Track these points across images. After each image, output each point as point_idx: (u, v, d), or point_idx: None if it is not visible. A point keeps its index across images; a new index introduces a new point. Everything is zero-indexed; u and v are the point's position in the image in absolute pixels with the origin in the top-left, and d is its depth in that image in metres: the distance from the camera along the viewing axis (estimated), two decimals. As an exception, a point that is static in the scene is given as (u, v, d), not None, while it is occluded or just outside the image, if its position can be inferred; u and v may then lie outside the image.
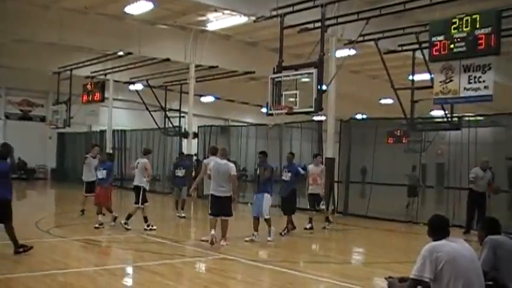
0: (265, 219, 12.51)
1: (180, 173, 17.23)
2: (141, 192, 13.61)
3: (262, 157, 13.00)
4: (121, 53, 25.35)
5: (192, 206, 20.94)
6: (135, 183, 13.89)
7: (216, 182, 11.71)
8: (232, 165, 11.95)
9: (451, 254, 4.85)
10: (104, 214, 14.05)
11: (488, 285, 5.22)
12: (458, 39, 13.00)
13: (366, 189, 21.53)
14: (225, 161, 11.90)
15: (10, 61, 28.91)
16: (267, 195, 12.52)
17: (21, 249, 9.81)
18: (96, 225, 13.52)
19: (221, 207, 11.73)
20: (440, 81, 14.26)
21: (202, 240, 12.04)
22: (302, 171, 14.15)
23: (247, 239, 12.36)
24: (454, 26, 13.05)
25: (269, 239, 12.50)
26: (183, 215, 16.66)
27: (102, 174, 14.01)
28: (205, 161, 13.98)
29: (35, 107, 36.34)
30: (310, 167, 14.77)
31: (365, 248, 13.60)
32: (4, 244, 11.21)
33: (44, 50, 27.52)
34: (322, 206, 15.09)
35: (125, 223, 13.34)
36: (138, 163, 14.11)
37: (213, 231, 11.59)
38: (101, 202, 14.00)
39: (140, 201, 13.57)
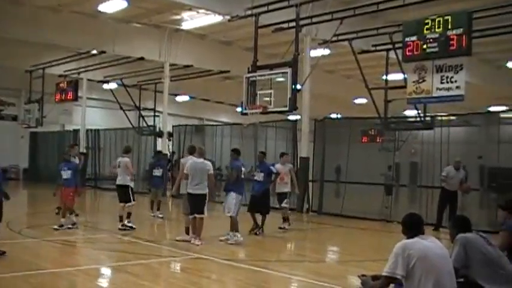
0: (231, 217, 12.40)
1: (158, 172, 17.04)
2: (130, 191, 13.85)
3: (233, 155, 12.90)
4: (95, 52, 25.07)
5: (170, 207, 20.84)
6: (120, 182, 13.92)
7: (193, 181, 11.78)
8: (209, 163, 12.10)
9: (422, 252, 4.91)
10: (77, 214, 13.94)
11: (459, 282, 5.30)
12: (431, 40, 13.15)
13: (340, 188, 21.67)
14: (201, 160, 11.98)
15: (-20, 59, 28.44)
16: (232, 194, 12.41)
17: None
18: (56, 227, 13.04)
19: (194, 205, 11.79)
20: (414, 81, 14.43)
21: (177, 240, 12.04)
22: (274, 171, 14.10)
23: (222, 238, 12.35)
24: (427, 26, 13.20)
25: (222, 238, 12.35)
26: (160, 215, 16.56)
27: (66, 174, 13.42)
28: (182, 160, 13.92)
29: (6, 105, 35.76)
30: (278, 166, 14.59)
31: (339, 246, 13.70)
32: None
33: (16, 48, 27.09)
34: (285, 205, 14.78)
35: (123, 225, 13.47)
36: (119, 162, 14.10)
37: (196, 240, 11.73)
38: (65, 203, 13.42)
39: (132, 198, 13.82)
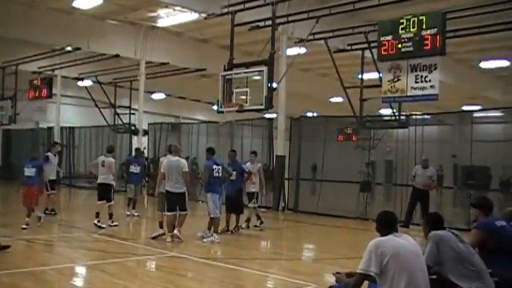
0: (211, 218, 12.41)
1: (135, 169, 16.88)
2: (112, 190, 14.06)
3: (207, 154, 12.91)
4: (69, 49, 24.82)
5: (146, 205, 20.74)
6: (104, 181, 14.03)
7: (170, 179, 11.85)
8: (184, 161, 12.15)
9: (395, 249, 4.97)
10: (55, 213, 13.84)
11: (432, 279, 5.36)
12: (406, 39, 13.30)
13: (316, 186, 21.80)
14: (176, 158, 12.03)
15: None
16: (209, 195, 12.44)
17: None
18: (24, 226, 12.83)
19: (177, 203, 11.89)
20: (389, 80, 14.57)
21: (153, 238, 12.02)
22: (247, 169, 14.06)
23: (199, 234, 12.38)
24: (402, 26, 13.35)
25: (198, 234, 12.43)
26: (136, 214, 16.47)
27: (30, 172, 13.05)
28: (161, 159, 13.87)
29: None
30: (248, 165, 14.50)
31: (315, 244, 13.78)
32: None
33: (-12, 44, 26.73)
34: (252, 205, 14.48)
35: (99, 221, 13.49)
36: (103, 161, 14.15)
37: (176, 231, 11.85)
38: (28, 202, 13.10)
39: (112, 197, 14.01)
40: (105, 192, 13.92)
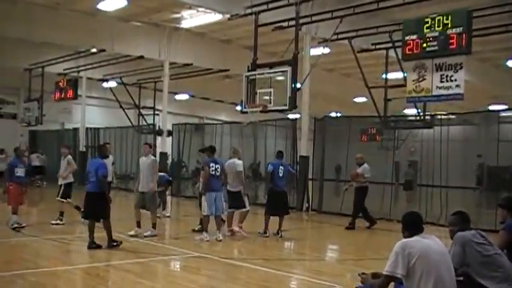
0: (203, 216, 12.47)
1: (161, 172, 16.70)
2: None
3: (208, 153, 12.75)
4: (94, 50, 25.06)
5: (170, 206, 20.80)
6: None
7: (143, 178, 12.65)
8: (239, 162, 12.87)
9: (422, 250, 4.90)
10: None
11: (459, 280, 5.29)
12: (431, 39, 13.17)
13: (340, 186, 21.66)
14: (233, 160, 13.00)
15: (-21, 57, 28.38)
16: (207, 194, 12.30)
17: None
18: (15, 226, 12.70)
19: (234, 201, 12.93)
20: (413, 80, 14.42)
21: (131, 236, 12.13)
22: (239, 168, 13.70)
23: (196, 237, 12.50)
24: (427, 25, 13.21)
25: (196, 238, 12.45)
26: (167, 214, 16.55)
27: (22, 172, 13.28)
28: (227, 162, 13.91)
29: (6, 104, 35.74)
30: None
31: (338, 245, 13.70)
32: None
33: (15, 47, 27.06)
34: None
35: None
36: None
37: (236, 227, 12.93)
38: (13, 201, 13.03)
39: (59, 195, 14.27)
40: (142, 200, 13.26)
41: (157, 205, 13.46)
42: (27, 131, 33.66)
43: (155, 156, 18.99)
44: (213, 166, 12.33)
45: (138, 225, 12.48)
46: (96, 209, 10.89)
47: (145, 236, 12.16)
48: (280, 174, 13.34)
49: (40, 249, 11.08)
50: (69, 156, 14.87)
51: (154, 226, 12.57)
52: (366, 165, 15.54)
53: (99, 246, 10.69)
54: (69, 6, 23.49)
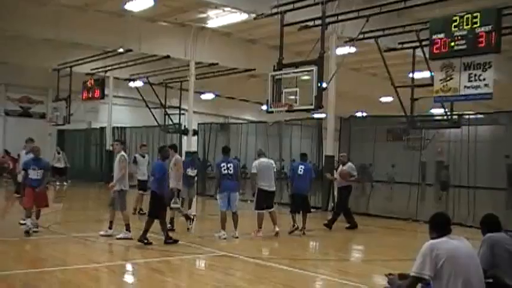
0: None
1: (192, 172, 16.58)
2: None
3: (223, 153, 12.91)
4: (121, 50, 25.29)
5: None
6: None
7: (263, 179, 12.98)
8: (120, 155, 12.05)
9: (451, 252, 4.84)
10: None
11: (488, 282, 5.22)
12: (459, 37, 13.03)
13: (365, 186, 21.56)
14: (267, 159, 13.31)
15: (10, 58, 28.83)
16: (219, 195, 12.57)
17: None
18: (28, 230, 11.51)
19: (268, 201, 13.03)
20: (441, 79, 14.27)
21: (101, 235, 11.90)
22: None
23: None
24: (455, 24, 13.07)
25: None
26: (193, 214, 16.60)
27: (37, 174, 11.84)
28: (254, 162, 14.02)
29: (34, 103, 36.28)
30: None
31: (364, 245, 13.62)
32: (3, 241, 11.26)
33: (44, 47, 27.48)
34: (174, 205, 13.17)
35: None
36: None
37: (276, 228, 12.93)
38: (24, 203, 12.03)
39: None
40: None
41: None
42: (56, 130, 34.13)
43: (181, 155, 19.13)
44: (224, 166, 12.42)
45: (111, 225, 12.04)
46: (150, 207, 11.34)
47: (117, 238, 11.73)
48: (300, 172, 13.57)
49: (68, 247, 11.20)
50: (122, 153, 12.29)
51: (127, 228, 11.86)
52: (350, 163, 15.36)
53: (175, 241, 11.12)
54: (97, 7, 23.73)
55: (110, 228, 12.02)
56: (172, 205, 12.99)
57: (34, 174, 11.72)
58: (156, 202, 11.24)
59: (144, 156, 16.40)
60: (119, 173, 11.85)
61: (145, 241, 11.03)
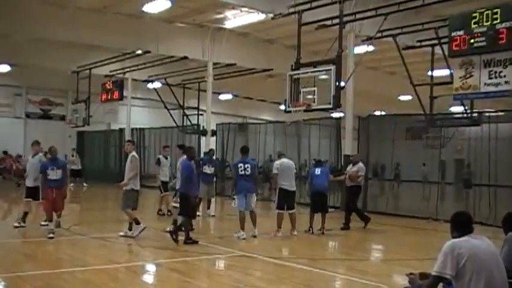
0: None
1: (209, 170, 16.52)
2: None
3: (241, 154, 13.00)
4: (139, 52, 25.44)
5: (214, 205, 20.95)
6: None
7: (285, 178, 13.07)
8: (131, 155, 12.24)
9: (473, 251, 4.78)
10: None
11: (511, 282, 5.14)
12: (479, 34, 12.88)
13: (384, 186, 21.43)
14: (287, 159, 13.43)
15: (30, 60, 29.10)
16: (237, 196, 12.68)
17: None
18: (50, 235, 11.30)
19: (289, 201, 13.08)
20: (460, 77, 14.13)
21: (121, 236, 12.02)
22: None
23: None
24: (474, 20, 12.92)
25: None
26: (211, 214, 16.66)
27: (56, 174, 11.75)
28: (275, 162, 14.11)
29: (54, 105, 36.64)
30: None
31: (383, 245, 13.53)
32: (24, 242, 11.38)
33: (63, 49, 27.70)
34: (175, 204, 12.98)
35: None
36: None
37: (295, 232, 13.03)
38: (57, 208, 11.91)
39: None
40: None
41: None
42: (75, 132, 34.42)
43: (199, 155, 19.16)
44: (241, 166, 12.44)
45: (133, 224, 12.12)
46: (180, 208, 11.49)
47: (120, 236, 11.93)
48: (318, 173, 13.66)
49: (87, 247, 11.28)
50: (133, 153, 12.47)
51: (130, 227, 12.08)
52: (360, 163, 15.20)
53: (195, 242, 11.17)
54: (115, 9, 23.90)
55: (130, 229, 12.10)
56: (173, 203, 13.24)
57: (53, 174, 11.65)
58: (185, 202, 11.30)
59: (167, 158, 16.45)
60: (130, 172, 12.03)
61: (190, 241, 11.14)
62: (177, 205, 12.43)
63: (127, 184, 11.97)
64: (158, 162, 16.29)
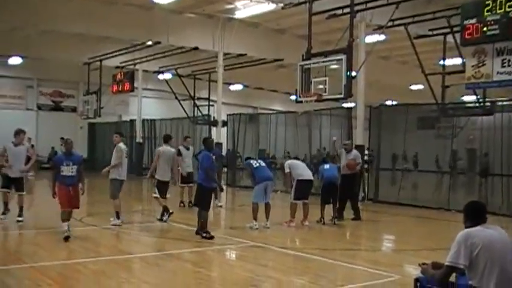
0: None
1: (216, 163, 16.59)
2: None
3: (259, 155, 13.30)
4: (149, 43, 25.45)
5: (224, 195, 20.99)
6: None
7: (303, 169, 13.36)
8: (117, 146, 12.52)
9: (486, 240, 4.74)
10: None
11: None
12: (491, 22, 12.75)
13: (396, 176, 21.35)
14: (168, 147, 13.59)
15: (41, 53, 29.25)
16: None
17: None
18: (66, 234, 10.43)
19: (309, 192, 13.29)
20: (473, 66, 14.03)
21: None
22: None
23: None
24: (487, 8, 12.80)
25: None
26: (219, 204, 16.68)
27: (71, 170, 10.65)
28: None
29: (66, 97, 36.81)
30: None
31: (395, 235, 13.51)
32: (38, 232, 11.46)
33: (74, 41, 27.79)
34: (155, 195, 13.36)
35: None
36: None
37: (306, 222, 13.14)
38: (74, 205, 10.90)
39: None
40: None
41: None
42: (87, 124, 34.60)
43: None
44: (254, 162, 12.80)
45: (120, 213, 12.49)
46: (197, 199, 11.40)
47: (112, 225, 12.19)
48: (327, 167, 13.77)
49: (100, 238, 11.34)
50: (120, 144, 12.71)
51: (117, 215, 12.35)
52: (355, 151, 15.08)
53: (211, 237, 10.91)
54: (126, 0, 23.92)
55: (118, 218, 12.38)
56: (153, 194, 13.47)
57: (68, 170, 10.55)
58: (202, 193, 11.20)
59: (188, 149, 16.32)
60: (113, 162, 12.37)
61: (205, 234, 10.92)
62: (157, 195, 13.18)
63: (107, 172, 12.43)
64: (179, 153, 16.22)
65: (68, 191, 10.58)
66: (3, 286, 7.38)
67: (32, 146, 21.46)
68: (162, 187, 13.28)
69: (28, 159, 12.98)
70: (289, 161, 13.73)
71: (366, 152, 19.73)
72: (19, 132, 12.68)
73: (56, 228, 10.83)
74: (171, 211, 12.87)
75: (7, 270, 8.06)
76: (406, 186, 20.09)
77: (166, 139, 14.02)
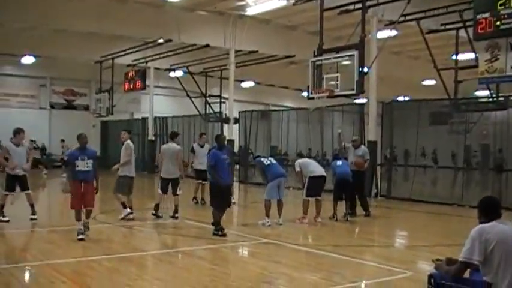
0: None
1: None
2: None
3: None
4: (161, 41, 25.51)
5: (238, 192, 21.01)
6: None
7: (315, 165, 13.43)
8: (126, 143, 12.90)
9: (501, 236, 4.71)
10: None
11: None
12: (505, 16, 12.62)
13: (409, 171, 21.26)
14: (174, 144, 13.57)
15: (53, 52, 29.41)
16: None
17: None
18: (80, 236, 10.15)
19: (322, 188, 13.28)
20: (486, 60, 13.94)
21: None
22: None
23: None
24: (501, 2, 12.67)
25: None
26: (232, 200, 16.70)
27: (86, 165, 10.34)
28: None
29: (78, 96, 36.98)
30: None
31: (408, 231, 13.44)
32: (50, 230, 11.52)
33: (86, 40, 27.89)
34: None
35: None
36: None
37: (319, 219, 13.06)
38: (87, 203, 10.49)
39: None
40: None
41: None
42: (99, 122, 34.75)
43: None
44: (265, 159, 12.88)
45: (124, 206, 12.78)
46: (210, 198, 11.42)
47: (121, 219, 12.49)
48: (339, 163, 13.73)
49: (113, 235, 11.39)
50: (128, 141, 13.09)
51: (124, 205, 12.73)
52: (363, 147, 15.02)
53: (223, 235, 10.88)
54: (136, -2, 23.99)
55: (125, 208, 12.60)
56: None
57: (83, 165, 10.23)
58: (212, 192, 11.21)
59: (202, 146, 16.35)
60: (123, 159, 12.74)
61: (219, 233, 10.89)
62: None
63: (117, 169, 12.84)
64: (192, 150, 16.40)
65: (79, 188, 10.24)
66: (17, 284, 7.45)
67: (34, 148, 21.56)
68: (164, 184, 13.34)
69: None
70: (300, 160, 13.75)
71: (388, 149, 19.65)
72: (19, 132, 12.57)
73: (68, 226, 10.89)
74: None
75: (21, 268, 8.14)
76: (420, 182, 19.98)
77: (173, 136, 14.05)
